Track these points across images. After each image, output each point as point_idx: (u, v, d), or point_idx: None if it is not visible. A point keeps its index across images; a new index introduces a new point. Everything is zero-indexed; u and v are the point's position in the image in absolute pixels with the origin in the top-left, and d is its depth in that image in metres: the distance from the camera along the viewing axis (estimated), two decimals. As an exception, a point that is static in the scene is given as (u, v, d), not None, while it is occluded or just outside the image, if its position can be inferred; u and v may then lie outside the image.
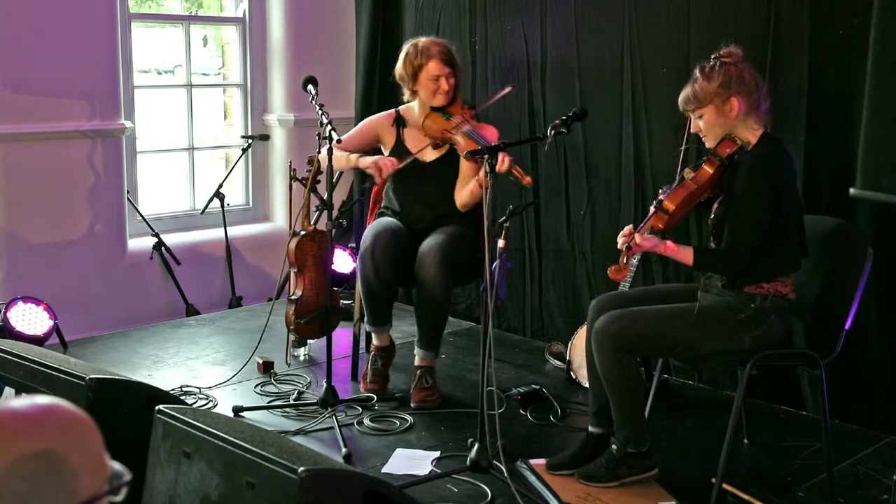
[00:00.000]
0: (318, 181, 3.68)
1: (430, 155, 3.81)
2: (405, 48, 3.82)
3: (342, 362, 4.09)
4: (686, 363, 3.59)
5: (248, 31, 5.37)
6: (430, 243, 3.63)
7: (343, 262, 5.07)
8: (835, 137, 3.49)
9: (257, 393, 3.86)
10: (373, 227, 3.81)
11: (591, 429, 3.12)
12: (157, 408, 2.19)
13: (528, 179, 3.31)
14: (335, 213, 3.79)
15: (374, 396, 3.73)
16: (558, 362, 4.19)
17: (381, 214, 3.95)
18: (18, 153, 4.38)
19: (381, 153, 3.91)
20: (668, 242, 2.86)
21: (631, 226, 2.92)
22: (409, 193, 3.87)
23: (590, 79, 4.26)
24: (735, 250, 2.84)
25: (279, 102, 5.43)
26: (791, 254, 2.90)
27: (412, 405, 3.68)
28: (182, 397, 3.62)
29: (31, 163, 4.42)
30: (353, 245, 5.06)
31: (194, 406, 3.46)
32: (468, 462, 2.98)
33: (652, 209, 2.94)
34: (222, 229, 5.12)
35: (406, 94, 3.87)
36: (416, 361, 3.77)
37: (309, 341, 4.26)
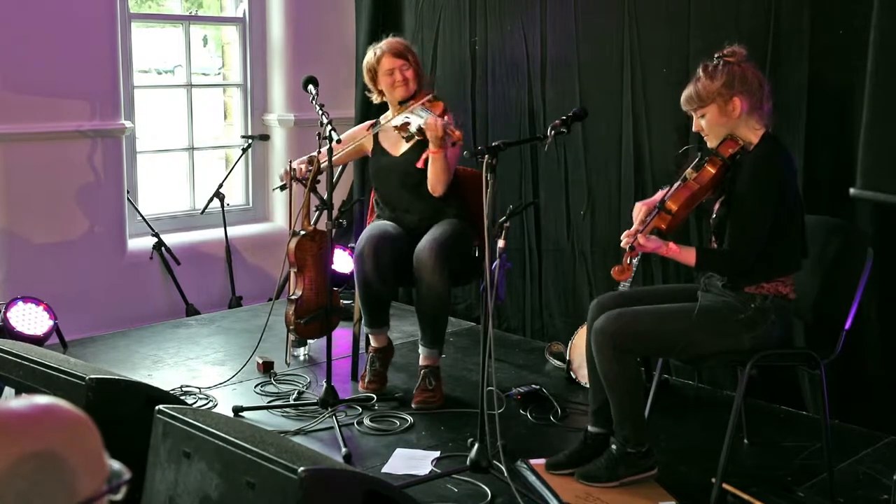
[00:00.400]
0: (318, 181, 3.68)
1: (402, 147, 3.83)
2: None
3: (342, 362, 4.09)
4: (686, 363, 3.59)
5: (248, 31, 5.37)
6: (425, 242, 3.63)
7: (343, 262, 5.07)
8: (835, 137, 3.49)
9: (257, 393, 3.86)
10: (368, 229, 3.81)
11: (590, 428, 3.12)
12: (157, 408, 2.19)
13: (458, 133, 3.47)
14: (335, 213, 3.79)
15: (374, 396, 3.73)
16: (558, 362, 4.19)
17: (378, 217, 3.96)
18: (18, 153, 4.39)
19: (367, 162, 3.97)
20: (671, 244, 2.85)
21: (634, 226, 2.91)
22: (394, 195, 3.88)
23: (590, 79, 4.26)
24: (737, 250, 2.84)
25: (279, 102, 5.43)
26: (792, 254, 2.90)
27: (413, 405, 3.68)
28: (182, 397, 3.62)
29: (31, 163, 4.42)
30: (353, 245, 5.04)
31: (194, 406, 3.46)
32: (468, 462, 2.98)
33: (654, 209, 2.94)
34: (222, 229, 5.12)
35: (376, 98, 3.95)
36: (421, 360, 3.77)
37: (309, 341, 4.26)
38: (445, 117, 3.60)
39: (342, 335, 4.17)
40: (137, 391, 2.47)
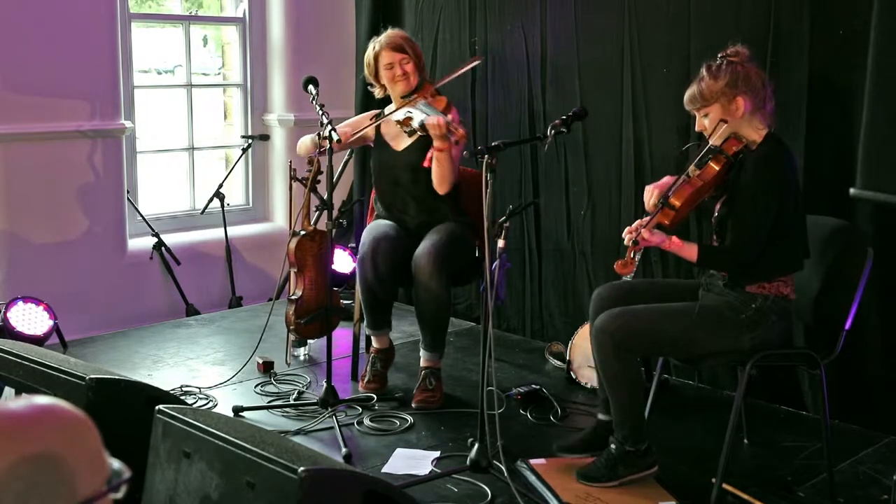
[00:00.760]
0: (318, 181, 3.68)
1: (404, 142, 3.81)
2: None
3: (342, 362, 4.09)
4: (686, 363, 3.59)
5: (248, 31, 5.37)
6: (424, 247, 3.61)
7: (343, 262, 5.07)
8: (835, 137, 3.49)
9: (257, 393, 3.86)
10: (369, 230, 3.78)
11: (600, 416, 3.15)
12: (157, 408, 2.19)
13: (461, 132, 3.44)
14: (335, 213, 3.79)
15: (374, 396, 3.73)
16: (558, 362, 4.19)
17: (378, 216, 3.94)
18: (18, 153, 4.39)
19: (367, 162, 3.96)
20: (674, 238, 2.86)
21: (638, 221, 2.91)
22: (393, 191, 3.86)
23: (590, 79, 4.26)
24: (738, 248, 2.85)
25: (279, 102, 5.43)
26: (793, 253, 2.90)
27: (413, 405, 3.68)
28: (182, 397, 3.62)
29: (31, 163, 4.42)
30: (353, 245, 5.06)
31: (194, 406, 3.46)
32: (468, 462, 2.98)
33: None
34: (222, 229, 5.12)
35: (378, 92, 3.93)
36: (422, 362, 3.77)
37: (309, 341, 4.26)
38: (449, 115, 3.60)
39: (342, 335, 4.16)
40: (137, 391, 2.46)
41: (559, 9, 4.34)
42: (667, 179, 3.01)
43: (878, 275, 3.11)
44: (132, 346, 4.43)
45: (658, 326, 2.90)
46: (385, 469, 3.15)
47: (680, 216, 2.92)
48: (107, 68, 4.59)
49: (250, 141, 5.35)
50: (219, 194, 5.07)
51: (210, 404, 3.70)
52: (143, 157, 5.11)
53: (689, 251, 2.87)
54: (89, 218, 4.64)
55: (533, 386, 3.77)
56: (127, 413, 2.36)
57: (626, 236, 2.86)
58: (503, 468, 2.91)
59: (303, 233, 3.77)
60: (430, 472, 3.12)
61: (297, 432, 3.40)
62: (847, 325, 2.92)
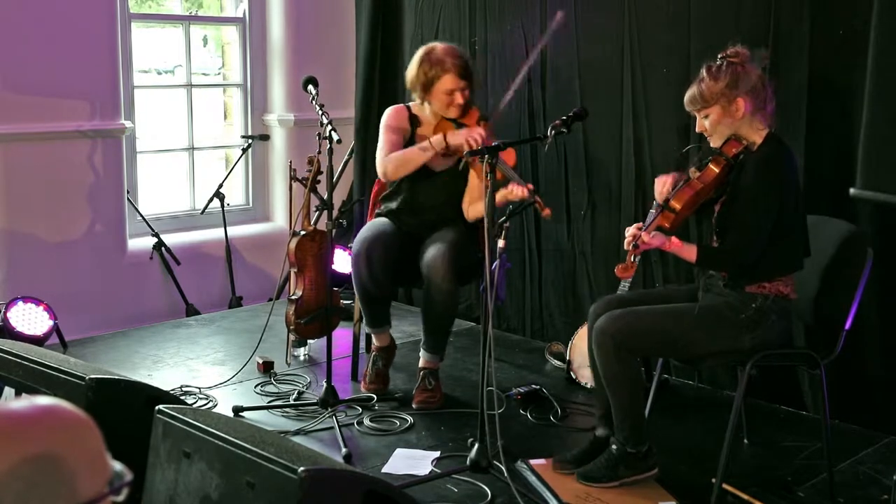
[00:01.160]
0: (318, 181, 3.68)
1: (439, 163, 3.70)
2: (419, 55, 3.67)
3: (342, 362, 4.08)
4: (686, 363, 3.59)
5: (248, 31, 5.37)
6: (438, 249, 3.56)
7: (343, 262, 5.06)
8: (835, 137, 3.49)
9: (257, 393, 3.86)
10: (365, 229, 3.75)
11: (598, 432, 3.12)
12: (157, 408, 2.19)
13: (547, 211, 3.15)
14: (335, 213, 3.79)
15: (375, 396, 3.73)
16: (558, 362, 4.19)
17: (378, 215, 3.91)
18: (18, 153, 4.39)
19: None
20: (674, 239, 2.87)
21: (638, 224, 2.91)
22: (418, 200, 3.77)
23: (590, 79, 4.26)
24: (739, 249, 2.85)
25: (279, 102, 5.43)
26: (794, 254, 2.90)
27: (413, 406, 3.68)
28: (182, 397, 3.62)
29: (31, 163, 4.42)
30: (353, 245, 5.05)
31: (194, 406, 3.46)
32: (468, 462, 2.98)
33: (654, 210, 2.94)
34: (222, 229, 5.12)
35: (417, 100, 3.75)
36: (421, 363, 3.76)
37: (309, 341, 4.26)
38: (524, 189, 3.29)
39: (342, 335, 4.16)
40: (137, 391, 2.46)
41: (559, 9, 4.33)
42: (674, 175, 3.00)
43: (878, 275, 3.11)
44: (132, 346, 4.43)
45: (658, 327, 2.90)
46: (385, 469, 3.15)
47: (680, 219, 2.92)
48: (107, 68, 4.59)
49: (250, 141, 5.35)
50: (219, 194, 5.07)
51: (210, 404, 3.70)
52: (143, 157, 5.11)
53: (689, 252, 2.87)
54: (89, 218, 4.64)
55: (533, 386, 3.77)
56: (127, 413, 2.36)
57: (628, 238, 2.86)
58: (503, 468, 2.91)
59: (303, 233, 3.77)
60: (430, 472, 3.12)
61: (297, 432, 3.40)
62: (847, 325, 2.92)
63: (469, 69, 3.65)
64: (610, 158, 4.22)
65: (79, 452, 0.97)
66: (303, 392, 3.83)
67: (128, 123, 4.73)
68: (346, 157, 5.23)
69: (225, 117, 6.93)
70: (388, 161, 3.65)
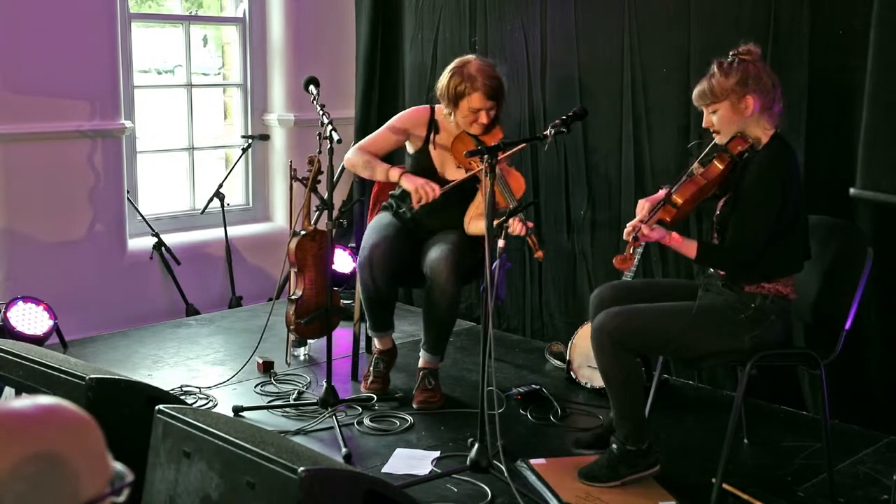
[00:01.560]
0: (319, 181, 3.68)
1: (452, 174, 3.70)
2: (452, 66, 3.62)
3: (342, 362, 4.09)
4: (685, 362, 3.60)
5: (248, 31, 5.37)
6: (441, 251, 3.56)
7: (343, 261, 5.07)
8: (835, 137, 3.49)
9: (257, 393, 3.86)
10: (370, 231, 3.75)
11: (612, 414, 3.07)
12: (157, 408, 2.19)
13: (539, 253, 3.16)
14: (335, 212, 3.78)
15: (375, 396, 3.73)
16: (558, 362, 4.19)
17: (384, 208, 3.89)
18: (18, 153, 4.38)
19: (403, 151, 3.85)
20: (674, 233, 2.86)
21: (639, 216, 2.91)
22: (428, 208, 3.68)
23: (590, 79, 4.26)
24: (739, 248, 2.85)
25: (279, 102, 5.43)
26: (794, 255, 2.90)
27: (414, 406, 3.68)
28: (182, 397, 3.62)
29: (31, 163, 4.42)
30: (353, 245, 5.06)
31: (194, 406, 3.46)
32: (468, 462, 2.98)
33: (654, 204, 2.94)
34: (222, 229, 5.12)
35: (446, 110, 3.68)
36: (421, 363, 3.76)
37: (309, 341, 4.26)
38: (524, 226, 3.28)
39: (342, 335, 4.16)
40: (137, 391, 2.46)
41: (559, 9, 4.34)
42: (660, 193, 2.99)
43: (877, 275, 3.11)
44: (132, 346, 4.43)
45: (657, 325, 2.90)
46: (385, 469, 3.15)
47: (682, 213, 2.92)
48: (107, 68, 4.59)
49: (250, 141, 5.35)
50: (219, 194, 5.07)
51: (210, 404, 3.70)
52: (143, 157, 5.11)
53: (689, 248, 2.87)
54: (89, 218, 4.64)
55: (533, 386, 3.77)
56: (127, 413, 2.36)
57: (628, 229, 2.86)
58: (503, 468, 2.91)
59: (303, 233, 3.77)
60: (430, 472, 3.13)
61: (297, 432, 3.40)
62: (847, 325, 2.92)
63: (500, 90, 3.60)
64: (610, 158, 4.22)
65: (81, 452, 0.97)
66: (303, 392, 3.83)
67: (128, 123, 4.73)
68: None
69: (225, 117, 6.93)
70: (360, 155, 3.75)
